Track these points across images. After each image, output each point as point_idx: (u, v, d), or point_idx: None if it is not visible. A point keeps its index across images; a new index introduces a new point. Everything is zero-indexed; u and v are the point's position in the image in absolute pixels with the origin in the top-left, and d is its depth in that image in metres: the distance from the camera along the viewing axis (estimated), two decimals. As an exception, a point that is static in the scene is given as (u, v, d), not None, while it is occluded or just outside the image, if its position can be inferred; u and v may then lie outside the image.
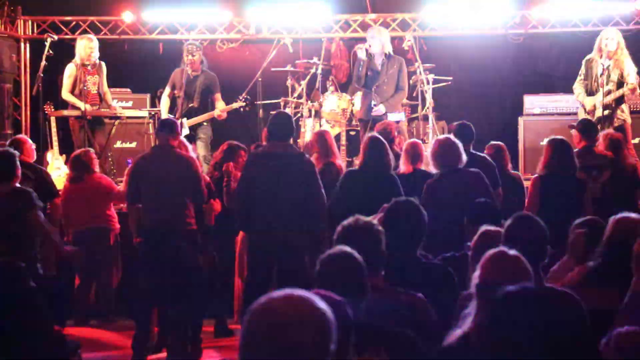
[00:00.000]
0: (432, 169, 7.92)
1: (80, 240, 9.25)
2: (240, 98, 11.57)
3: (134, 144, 12.70)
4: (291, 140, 8.29)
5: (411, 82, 11.70)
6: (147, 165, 8.02)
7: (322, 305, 2.53)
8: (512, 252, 3.90)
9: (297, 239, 7.61)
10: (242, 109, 11.58)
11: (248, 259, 7.88)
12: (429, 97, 11.93)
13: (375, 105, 10.75)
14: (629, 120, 10.76)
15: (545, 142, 8.53)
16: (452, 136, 8.02)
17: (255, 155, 7.84)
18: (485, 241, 4.87)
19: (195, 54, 11.41)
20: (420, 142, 8.94)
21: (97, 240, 9.36)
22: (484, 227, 5.12)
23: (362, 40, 12.82)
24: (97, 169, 9.62)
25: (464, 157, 7.74)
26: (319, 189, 7.61)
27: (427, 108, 11.90)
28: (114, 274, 9.62)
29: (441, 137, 8.25)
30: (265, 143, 8.14)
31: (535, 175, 8.09)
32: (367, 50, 11.03)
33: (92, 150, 9.87)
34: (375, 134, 8.64)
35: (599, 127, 10.03)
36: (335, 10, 13.41)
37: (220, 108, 11.44)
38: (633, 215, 4.49)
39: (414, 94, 11.89)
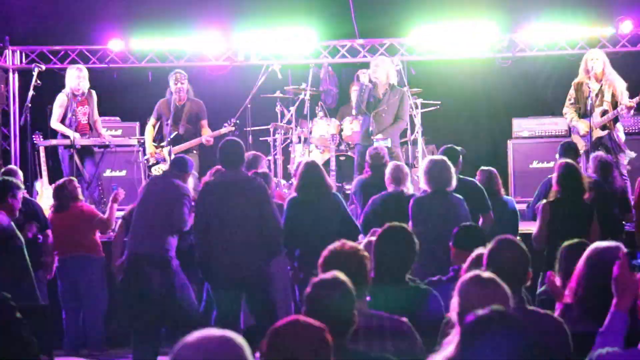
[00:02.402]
0: (424, 186, 7.92)
1: (65, 268, 9.25)
2: (229, 123, 11.59)
3: (123, 172, 12.71)
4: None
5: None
6: (143, 190, 8.17)
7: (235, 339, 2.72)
8: (487, 274, 3.90)
9: (258, 267, 7.56)
10: (231, 135, 11.59)
11: (213, 295, 7.78)
12: (417, 121, 11.97)
13: (372, 132, 10.78)
14: (623, 139, 10.81)
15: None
16: (445, 158, 8.04)
17: (207, 185, 7.79)
18: (477, 265, 4.89)
19: (184, 81, 11.47)
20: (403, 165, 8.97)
21: (82, 269, 9.35)
22: (477, 251, 5.13)
23: (351, 65, 12.94)
24: (81, 197, 9.62)
25: (454, 182, 7.77)
26: (272, 212, 7.57)
27: (416, 132, 11.94)
28: (102, 303, 9.59)
29: (436, 157, 8.28)
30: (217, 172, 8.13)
31: None
32: (370, 77, 11.08)
33: (75, 179, 9.86)
34: (308, 159, 8.75)
35: (598, 147, 10.17)
36: (324, 36, 13.45)
37: (208, 134, 11.46)
38: (605, 243, 4.47)
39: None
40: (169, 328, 7.94)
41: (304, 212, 7.98)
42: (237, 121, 11.68)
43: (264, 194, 7.58)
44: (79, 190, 9.60)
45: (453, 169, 7.84)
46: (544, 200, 8.16)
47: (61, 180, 9.69)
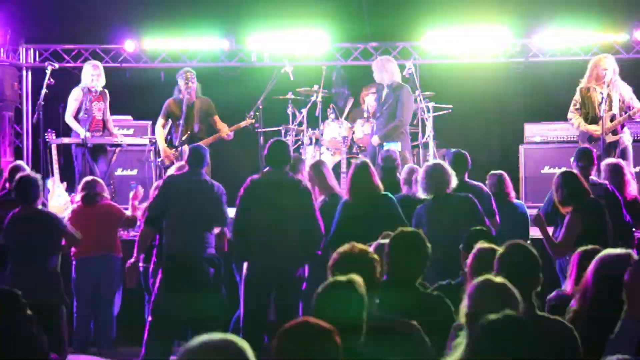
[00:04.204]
0: (420, 195, 7.90)
1: (86, 266, 9.25)
2: (249, 115, 11.59)
3: (135, 172, 12.73)
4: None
5: (412, 109, 11.72)
6: (174, 189, 8.16)
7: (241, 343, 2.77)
8: (498, 279, 3.90)
9: (295, 268, 7.60)
10: (251, 127, 11.63)
11: (245, 288, 7.81)
12: (429, 124, 11.95)
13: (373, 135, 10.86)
14: (630, 142, 10.82)
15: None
16: (441, 162, 8.03)
17: (252, 183, 7.81)
18: (480, 260, 4.93)
19: (194, 80, 11.49)
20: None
21: (104, 268, 9.34)
22: (479, 246, 5.14)
23: (363, 68, 12.94)
24: (107, 195, 9.64)
25: (453, 183, 7.74)
26: (316, 216, 7.59)
27: (428, 136, 11.92)
28: (117, 302, 9.60)
29: (429, 162, 8.28)
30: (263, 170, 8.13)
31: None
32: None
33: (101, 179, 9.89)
34: (359, 160, 8.71)
35: (610, 152, 10.21)
36: (337, 39, 13.46)
37: (226, 127, 11.47)
38: (615, 251, 4.44)
39: (414, 122, 11.89)
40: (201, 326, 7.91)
41: (356, 215, 7.96)
42: (257, 112, 11.66)
43: (308, 197, 7.61)
44: (106, 189, 9.63)
45: (450, 171, 7.81)
46: (569, 208, 7.97)
47: (90, 177, 9.73)
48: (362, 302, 3.85)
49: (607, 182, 8.88)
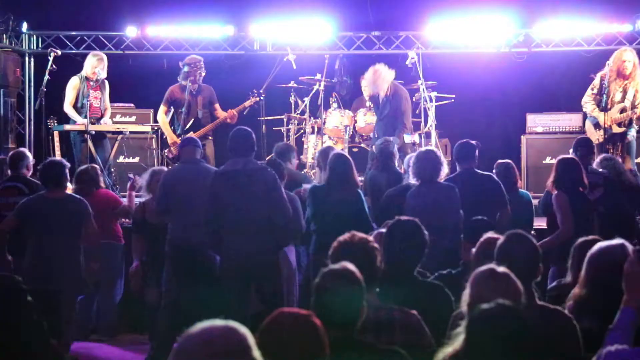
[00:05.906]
0: (411, 180, 7.93)
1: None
2: (252, 94, 11.52)
3: (136, 159, 12.72)
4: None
5: (414, 99, 11.71)
6: (175, 179, 8.14)
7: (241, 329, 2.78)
8: (501, 269, 3.90)
9: (270, 255, 7.55)
10: (256, 105, 11.59)
11: (223, 281, 7.68)
12: (431, 114, 11.94)
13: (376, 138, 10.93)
14: (634, 139, 10.84)
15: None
16: (434, 149, 8.05)
17: (218, 174, 7.76)
18: (487, 249, 4.93)
19: (203, 68, 11.43)
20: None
21: (104, 256, 9.33)
22: (487, 235, 5.15)
23: (366, 56, 12.94)
24: (102, 184, 9.61)
25: (443, 172, 7.74)
26: (283, 201, 7.52)
27: (430, 125, 11.92)
28: (119, 290, 9.60)
29: (422, 149, 8.30)
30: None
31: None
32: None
33: (97, 166, 9.86)
34: (339, 150, 8.72)
35: (613, 142, 10.22)
36: (339, 28, 13.46)
37: (228, 111, 11.43)
38: (612, 242, 4.45)
39: (417, 111, 11.89)
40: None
41: (327, 203, 7.98)
42: (262, 90, 11.61)
43: (273, 183, 7.54)
44: (101, 177, 9.59)
45: (443, 160, 7.82)
46: (555, 192, 8.06)
47: (84, 166, 9.68)
48: (361, 291, 3.85)
49: (605, 170, 8.87)
